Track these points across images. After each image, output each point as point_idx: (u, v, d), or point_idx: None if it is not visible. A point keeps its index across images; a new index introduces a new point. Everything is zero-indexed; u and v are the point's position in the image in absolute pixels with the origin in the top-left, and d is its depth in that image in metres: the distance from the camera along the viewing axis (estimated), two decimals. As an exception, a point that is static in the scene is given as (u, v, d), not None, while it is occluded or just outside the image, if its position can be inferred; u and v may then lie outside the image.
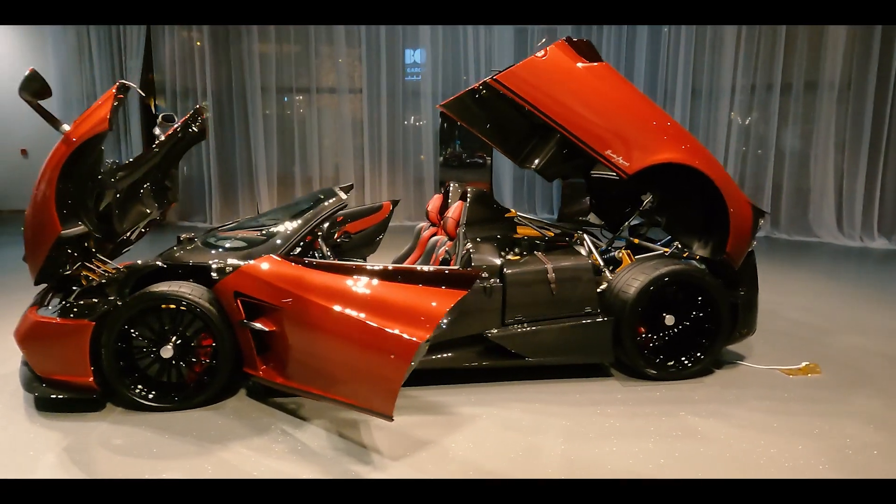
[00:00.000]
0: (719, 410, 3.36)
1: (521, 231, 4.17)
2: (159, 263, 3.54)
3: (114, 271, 3.56)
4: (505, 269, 3.62)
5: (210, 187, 10.78)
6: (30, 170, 12.03)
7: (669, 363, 3.74)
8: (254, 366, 3.28)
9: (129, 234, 4.49)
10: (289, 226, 3.69)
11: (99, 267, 4.04)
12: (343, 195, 3.81)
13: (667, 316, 3.72)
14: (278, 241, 3.56)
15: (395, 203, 5.29)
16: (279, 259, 3.30)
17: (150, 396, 3.29)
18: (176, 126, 4.63)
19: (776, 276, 6.68)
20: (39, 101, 3.11)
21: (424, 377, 3.63)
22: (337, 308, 2.92)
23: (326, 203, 3.76)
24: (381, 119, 10.83)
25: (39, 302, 3.54)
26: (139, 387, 3.28)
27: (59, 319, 3.24)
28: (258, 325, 3.17)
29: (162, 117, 4.45)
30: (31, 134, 12.23)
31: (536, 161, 4.24)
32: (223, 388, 3.41)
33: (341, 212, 5.29)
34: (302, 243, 3.99)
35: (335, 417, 3.24)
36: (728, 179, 3.77)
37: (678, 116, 10.22)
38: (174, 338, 3.29)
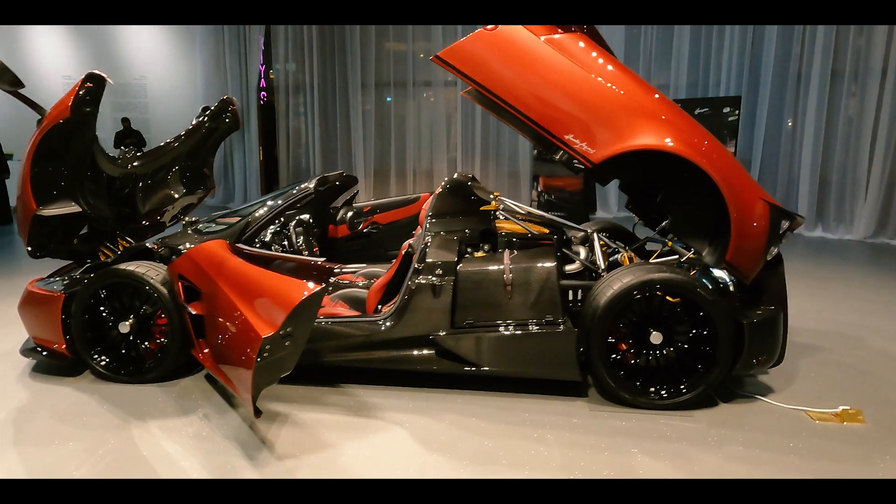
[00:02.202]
0: (685, 454, 2.74)
1: (505, 226, 3.77)
2: (147, 245, 3.74)
3: (121, 250, 3.84)
4: (458, 267, 3.29)
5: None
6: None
7: (650, 389, 3.15)
8: (194, 348, 3.33)
9: (160, 216, 4.85)
10: (256, 213, 3.70)
11: (114, 246, 4.41)
12: (313, 185, 3.72)
13: (653, 332, 3.13)
14: (239, 228, 3.58)
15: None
16: (220, 244, 3.30)
17: (109, 367, 3.48)
18: (202, 118, 4.89)
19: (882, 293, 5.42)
20: (20, 90, 3.41)
21: (375, 376, 3.44)
22: (232, 297, 2.84)
23: (293, 191, 3.70)
24: (476, 112, 10.66)
25: (53, 275, 3.91)
26: (101, 357, 3.49)
27: (38, 289, 3.55)
28: (189, 308, 3.20)
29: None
30: (184, 128, 13.92)
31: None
32: (178, 367, 3.52)
33: (373, 202, 5.25)
34: (270, 229, 3.99)
35: (262, 409, 3.18)
36: (738, 174, 3.06)
37: (813, 102, 8.79)
38: (132, 314, 3.45)
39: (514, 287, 3.20)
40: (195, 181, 5.06)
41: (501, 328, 3.22)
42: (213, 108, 4.89)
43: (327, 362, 3.44)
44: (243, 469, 2.63)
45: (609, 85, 3.04)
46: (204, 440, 2.87)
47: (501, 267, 3.24)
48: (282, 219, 4.17)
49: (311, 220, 4.36)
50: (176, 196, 4.86)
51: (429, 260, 3.34)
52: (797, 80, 9.13)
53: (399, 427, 3.00)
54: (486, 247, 3.55)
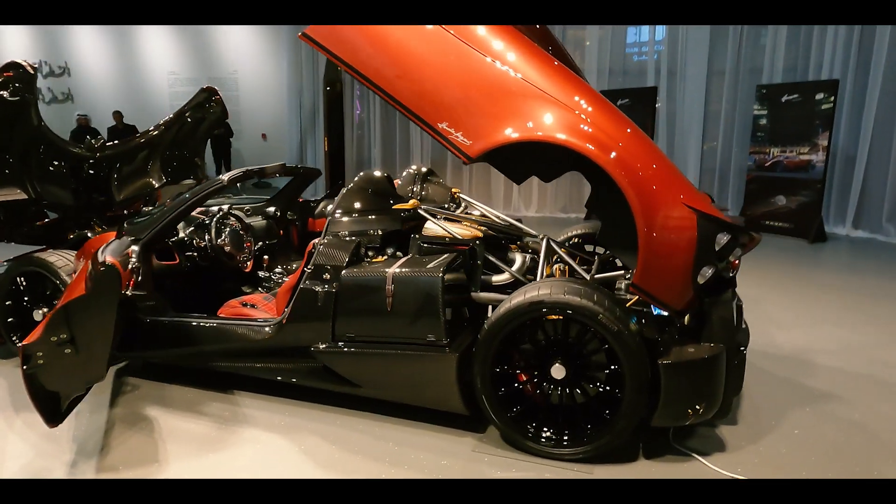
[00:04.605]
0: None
1: (430, 229, 3.30)
2: (89, 234, 3.76)
3: None
4: (342, 272, 2.90)
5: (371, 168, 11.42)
6: (268, 151, 14.44)
7: (542, 434, 2.58)
8: None
9: (145, 204, 4.92)
10: (173, 204, 3.56)
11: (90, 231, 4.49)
12: (226, 178, 3.49)
13: (555, 366, 2.56)
14: (146, 222, 3.45)
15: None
16: (103, 239, 3.20)
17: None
18: (182, 106, 4.88)
19: None
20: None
21: (274, 384, 3.18)
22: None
23: (205, 184, 3.51)
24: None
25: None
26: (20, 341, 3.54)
27: None
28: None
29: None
30: (270, 121, 14.55)
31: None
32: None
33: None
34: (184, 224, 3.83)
35: (138, 412, 3.04)
36: (661, 173, 2.38)
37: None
38: (42, 303, 3.46)
39: (394, 299, 2.77)
40: (183, 170, 5.07)
41: (381, 346, 2.81)
42: (194, 98, 4.85)
43: (215, 369, 3.23)
44: (54, 471, 2.49)
45: (503, 69, 2.47)
46: (50, 441, 2.76)
47: (385, 274, 2.81)
48: (217, 212, 4.01)
49: (244, 217, 4.16)
50: (156, 184, 4.89)
51: (317, 262, 2.99)
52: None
53: (250, 445, 2.72)
54: (390, 251, 3.13)
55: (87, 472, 2.51)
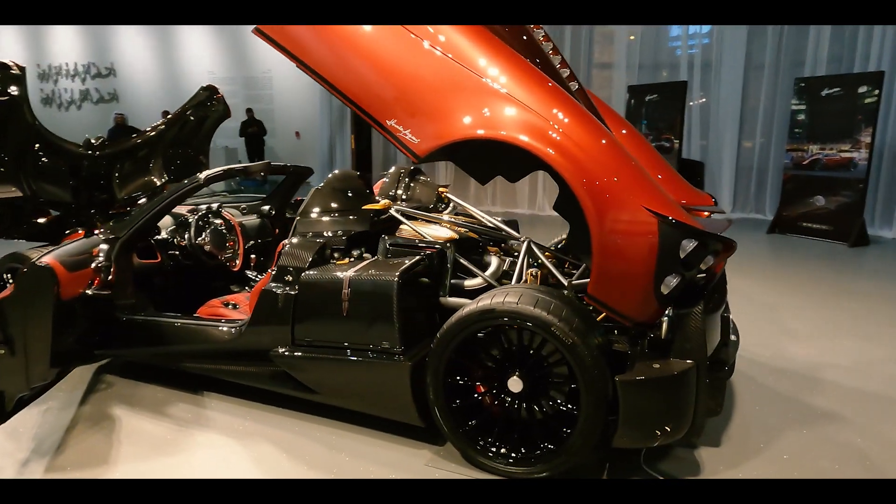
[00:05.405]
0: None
1: (406, 231, 3.17)
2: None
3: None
4: (302, 274, 2.81)
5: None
6: (302, 148, 14.61)
7: (492, 450, 2.43)
8: None
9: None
10: (151, 203, 3.55)
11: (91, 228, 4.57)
12: (202, 176, 3.46)
13: (512, 378, 2.40)
14: (126, 222, 3.45)
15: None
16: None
17: None
18: (184, 105, 4.91)
19: None
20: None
21: (234, 387, 3.13)
22: None
23: (185, 181, 3.48)
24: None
25: None
26: None
27: None
28: None
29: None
30: (303, 119, 14.71)
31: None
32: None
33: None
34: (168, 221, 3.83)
35: (104, 411, 3.04)
36: (621, 172, 2.18)
37: None
38: None
39: (350, 303, 2.66)
40: (187, 169, 5.11)
41: (337, 352, 2.70)
42: (195, 97, 4.87)
43: (184, 369, 3.20)
44: (5, 469, 2.49)
45: (456, 65, 2.30)
46: (12, 438, 2.77)
47: (342, 277, 2.70)
48: (206, 210, 3.99)
49: (225, 214, 4.12)
50: (157, 183, 4.94)
51: (280, 264, 2.91)
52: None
53: (204, 450, 2.67)
54: (356, 252, 3.02)
55: (37, 471, 2.50)
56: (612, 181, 2.16)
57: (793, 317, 4.51)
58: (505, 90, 2.30)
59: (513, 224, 3.62)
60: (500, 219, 3.49)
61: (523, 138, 2.18)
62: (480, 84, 2.30)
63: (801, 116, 7.75)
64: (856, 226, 7.12)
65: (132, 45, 15.56)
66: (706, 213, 3.09)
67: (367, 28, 2.37)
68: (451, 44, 2.35)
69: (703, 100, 9.43)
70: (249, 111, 13.81)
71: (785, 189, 8.05)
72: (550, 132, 2.20)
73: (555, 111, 2.30)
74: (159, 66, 15.55)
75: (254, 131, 13.80)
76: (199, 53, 15.13)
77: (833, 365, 3.56)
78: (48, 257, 2.68)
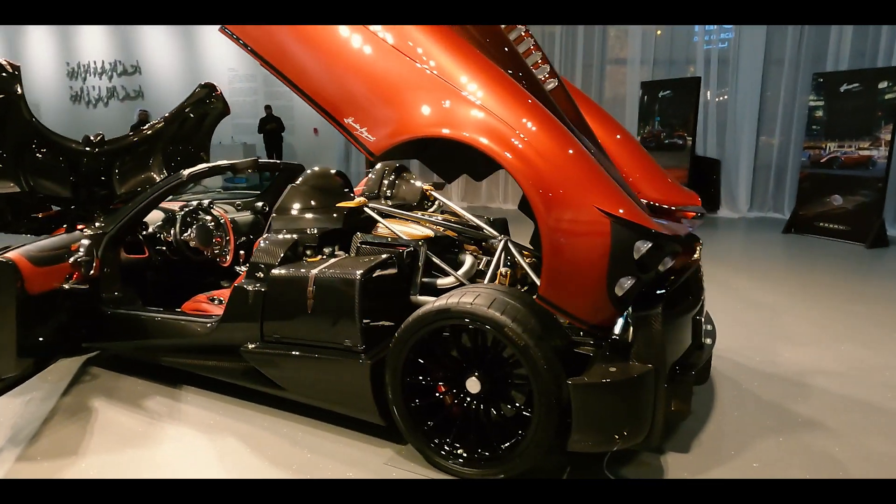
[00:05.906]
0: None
1: (382, 229, 3.16)
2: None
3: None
4: (272, 271, 2.83)
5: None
6: (320, 145, 14.73)
7: (456, 450, 2.41)
8: None
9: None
10: (135, 200, 3.62)
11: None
12: (186, 173, 3.51)
13: (471, 379, 2.38)
14: (114, 217, 3.51)
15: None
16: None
17: None
18: (182, 102, 4.98)
19: None
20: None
21: (211, 382, 3.17)
22: None
23: (165, 179, 3.54)
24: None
25: None
26: None
27: None
28: None
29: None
30: (320, 116, 14.81)
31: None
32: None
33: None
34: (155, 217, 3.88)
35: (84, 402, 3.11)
36: (583, 181, 2.13)
37: None
38: None
39: (315, 300, 2.66)
40: (188, 165, 5.18)
41: (302, 349, 2.71)
42: (194, 94, 4.94)
43: (164, 363, 3.25)
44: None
45: (418, 66, 2.27)
46: (-6, 427, 2.86)
47: (308, 273, 2.70)
48: (195, 206, 4.04)
49: (218, 211, 4.16)
50: (157, 179, 5.02)
51: (253, 261, 2.94)
52: None
53: (172, 443, 2.72)
54: (328, 250, 3.02)
55: (8, 461, 2.57)
56: (564, 180, 2.12)
57: (794, 320, 4.37)
58: (464, 92, 2.28)
59: (501, 223, 3.59)
60: (486, 217, 3.46)
61: (466, 134, 2.15)
62: (436, 82, 2.27)
63: (819, 113, 7.51)
64: (874, 226, 6.87)
65: (156, 43, 15.87)
66: (692, 214, 3.02)
67: (327, 27, 2.37)
68: (413, 44, 2.32)
69: (726, 97, 9.20)
70: (268, 108, 13.96)
71: (801, 188, 7.81)
72: (506, 133, 2.17)
73: (515, 114, 2.26)
74: (182, 63, 15.83)
75: (272, 128, 13.95)
76: (221, 51, 15.34)
77: (825, 371, 3.44)
78: (13, 252, 2.74)
